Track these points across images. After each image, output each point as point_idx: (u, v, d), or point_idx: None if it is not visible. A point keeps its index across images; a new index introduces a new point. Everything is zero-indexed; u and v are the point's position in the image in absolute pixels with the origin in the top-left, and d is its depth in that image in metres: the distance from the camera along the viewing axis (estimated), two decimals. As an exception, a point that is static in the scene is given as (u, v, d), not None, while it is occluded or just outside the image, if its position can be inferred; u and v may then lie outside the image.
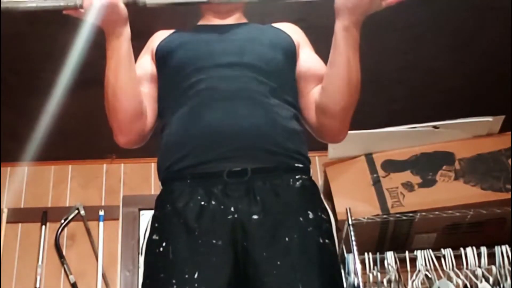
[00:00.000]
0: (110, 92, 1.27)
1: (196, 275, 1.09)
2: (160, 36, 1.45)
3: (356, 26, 1.23)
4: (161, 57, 1.39)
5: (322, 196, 1.28)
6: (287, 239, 1.13)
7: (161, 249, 1.15)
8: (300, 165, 1.25)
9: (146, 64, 1.41)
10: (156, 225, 1.20)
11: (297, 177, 1.22)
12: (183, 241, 1.14)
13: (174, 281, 1.10)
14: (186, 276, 1.09)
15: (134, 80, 1.29)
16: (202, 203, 1.16)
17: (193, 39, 1.40)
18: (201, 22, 1.51)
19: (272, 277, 1.09)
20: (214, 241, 1.12)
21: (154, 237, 1.18)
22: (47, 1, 1.25)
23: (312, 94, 1.35)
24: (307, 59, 1.42)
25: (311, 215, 1.18)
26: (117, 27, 1.25)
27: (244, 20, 1.51)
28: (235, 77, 1.29)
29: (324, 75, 1.30)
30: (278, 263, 1.10)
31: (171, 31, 1.47)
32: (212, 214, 1.15)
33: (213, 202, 1.16)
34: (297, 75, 1.39)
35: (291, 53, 1.39)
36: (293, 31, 1.46)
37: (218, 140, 1.20)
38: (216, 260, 1.11)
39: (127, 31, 1.28)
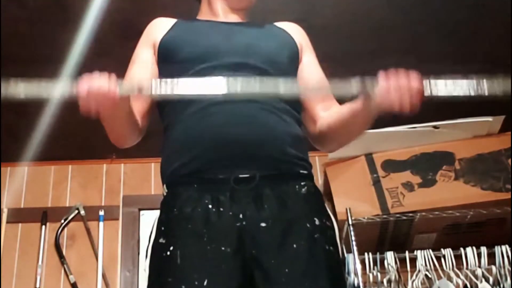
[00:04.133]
0: (108, 131, 1.27)
1: (205, 282, 1.08)
2: (161, 26, 1.41)
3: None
4: (165, 53, 1.35)
5: (324, 201, 1.28)
6: (295, 246, 1.13)
7: (168, 253, 1.13)
8: (305, 172, 1.25)
9: (146, 59, 1.37)
10: (163, 228, 1.18)
11: (302, 183, 1.22)
12: (192, 246, 1.13)
13: (183, 286, 1.09)
14: (196, 282, 1.08)
15: (131, 117, 1.26)
16: (210, 207, 1.15)
17: (198, 36, 1.37)
18: (203, 17, 1.48)
19: (280, 285, 1.09)
20: (223, 248, 1.11)
21: (161, 240, 1.16)
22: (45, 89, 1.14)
23: (315, 111, 1.36)
24: (308, 68, 1.41)
25: (317, 222, 1.17)
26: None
27: (247, 19, 1.49)
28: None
29: (333, 119, 1.30)
30: (287, 270, 1.10)
31: (172, 20, 1.43)
32: (220, 220, 1.14)
33: (221, 209, 1.15)
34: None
35: (294, 57, 1.39)
36: (296, 32, 1.45)
37: (225, 146, 1.19)
38: (225, 267, 1.10)
39: (127, 103, 1.21)
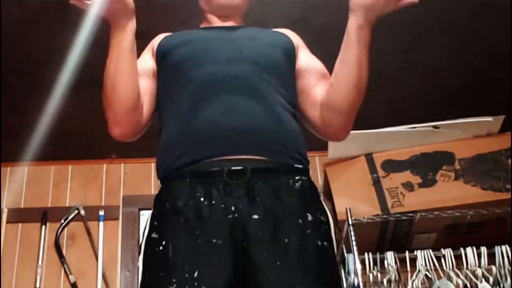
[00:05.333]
0: (109, 83, 1.27)
1: (196, 274, 1.09)
2: (161, 36, 1.47)
3: (369, 25, 1.25)
4: (161, 54, 1.39)
5: (321, 196, 1.28)
6: (286, 240, 1.13)
7: (161, 247, 1.14)
8: (300, 166, 1.24)
9: (146, 60, 1.42)
10: (155, 223, 1.19)
11: (296, 178, 1.22)
12: (183, 239, 1.13)
13: (174, 280, 1.09)
14: (186, 275, 1.09)
15: (134, 73, 1.29)
16: (202, 200, 1.16)
17: (192, 37, 1.41)
18: (202, 25, 1.53)
19: (271, 278, 1.09)
20: (214, 241, 1.12)
21: (153, 235, 1.17)
22: None
23: (315, 92, 1.36)
24: (307, 58, 1.43)
25: (310, 217, 1.17)
26: (122, 20, 1.25)
27: (244, 24, 1.53)
28: (234, 71, 1.29)
29: (333, 71, 1.31)
30: (278, 263, 1.10)
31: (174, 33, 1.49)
32: (212, 213, 1.15)
33: (213, 201, 1.16)
34: (297, 74, 1.40)
35: (290, 52, 1.40)
36: (292, 35, 1.47)
37: (217, 137, 1.20)
38: (216, 260, 1.11)
39: (132, 24, 1.27)
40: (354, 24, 1.25)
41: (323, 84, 1.36)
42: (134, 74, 1.29)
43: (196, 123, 1.23)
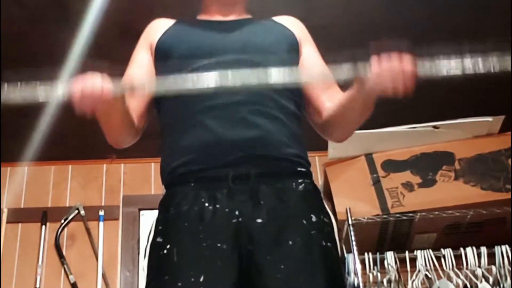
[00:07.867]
0: (104, 131, 1.28)
1: (201, 279, 1.09)
2: (158, 27, 1.42)
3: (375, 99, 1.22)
4: (161, 53, 1.36)
5: (323, 199, 1.28)
6: (290, 242, 1.13)
7: (165, 251, 1.14)
8: (303, 169, 1.25)
9: (143, 60, 1.39)
10: (160, 227, 1.19)
11: (299, 181, 1.22)
12: (188, 243, 1.13)
13: (179, 283, 1.09)
14: (192, 279, 1.09)
15: (128, 123, 1.28)
16: (207, 205, 1.16)
17: (194, 35, 1.38)
18: (202, 17, 1.48)
19: (275, 281, 1.09)
20: (219, 245, 1.12)
21: (158, 239, 1.17)
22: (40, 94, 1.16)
23: (319, 102, 1.35)
24: (309, 59, 1.41)
25: (314, 218, 1.18)
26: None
27: (246, 16, 1.48)
28: None
29: (334, 107, 1.31)
30: (282, 266, 1.10)
31: (171, 21, 1.44)
32: (216, 217, 1.15)
33: (218, 206, 1.16)
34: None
35: (293, 49, 1.39)
36: (295, 26, 1.45)
37: (222, 149, 1.20)
38: (221, 264, 1.11)
39: (122, 102, 1.22)
40: (367, 94, 1.19)
41: (329, 95, 1.35)
42: (127, 118, 1.28)
43: (202, 134, 1.22)
